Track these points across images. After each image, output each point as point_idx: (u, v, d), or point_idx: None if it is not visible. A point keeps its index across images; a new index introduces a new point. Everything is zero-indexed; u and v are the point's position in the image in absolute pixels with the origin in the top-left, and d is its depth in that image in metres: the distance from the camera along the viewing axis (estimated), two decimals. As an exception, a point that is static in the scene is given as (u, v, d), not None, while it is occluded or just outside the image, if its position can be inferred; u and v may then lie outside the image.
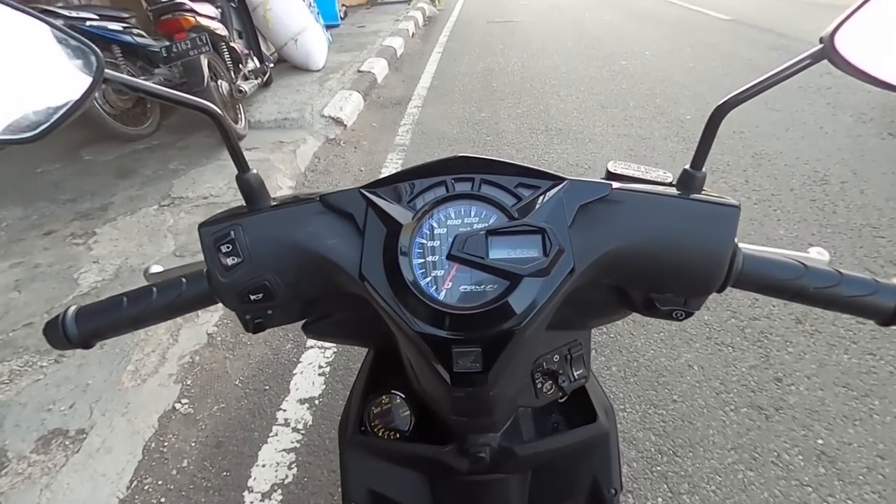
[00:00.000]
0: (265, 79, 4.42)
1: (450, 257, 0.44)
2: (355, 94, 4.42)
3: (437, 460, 0.61)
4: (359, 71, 5.09)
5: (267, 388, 1.77)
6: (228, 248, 0.46)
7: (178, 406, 1.70)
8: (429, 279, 0.44)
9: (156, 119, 3.76)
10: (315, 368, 1.83)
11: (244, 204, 0.51)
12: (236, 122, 3.51)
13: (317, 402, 1.70)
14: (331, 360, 1.87)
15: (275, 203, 0.50)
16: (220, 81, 3.49)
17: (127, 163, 3.33)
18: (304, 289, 0.50)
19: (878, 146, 3.23)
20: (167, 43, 3.08)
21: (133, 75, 3.31)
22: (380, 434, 0.65)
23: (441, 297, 0.43)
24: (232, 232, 0.47)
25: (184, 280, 0.50)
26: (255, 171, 0.50)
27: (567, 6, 10.18)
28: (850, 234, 2.36)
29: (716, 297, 1.92)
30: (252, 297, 0.48)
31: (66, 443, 1.49)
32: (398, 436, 0.65)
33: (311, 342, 1.95)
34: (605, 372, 1.76)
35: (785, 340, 1.84)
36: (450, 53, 6.42)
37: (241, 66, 3.91)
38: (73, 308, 0.49)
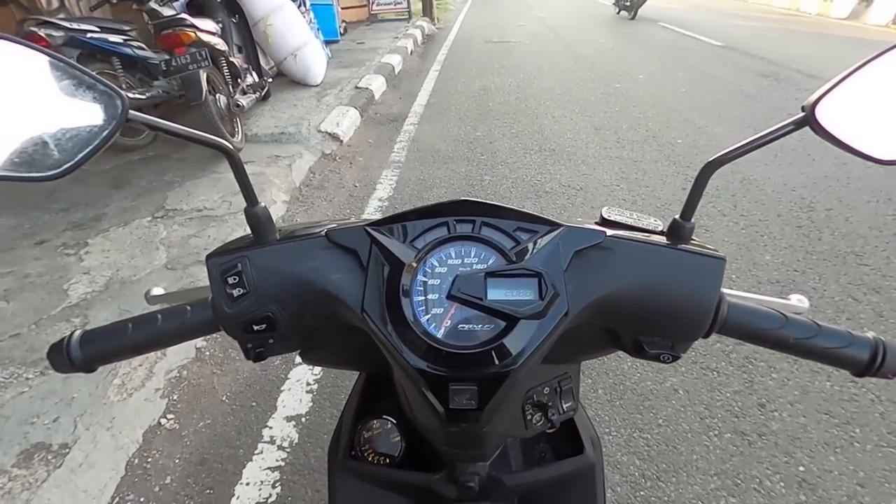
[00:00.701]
0: (263, 93, 4.46)
1: (450, 297, 0.46)
2: (352, 110, 4.47)
3: (427, 488, 0.62)
4: (357, 87, 5.16)
5: (254, 404, 1.77)
6: (235, 279, 0.48)
7: (163, 421, 1.69)
8: (428, 317, 0.46)
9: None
10: (303, 386, 1.83)
11: (250, 234, 0.53)
12: (233, 136, 3.53)
13: (304, 419, 1.70)
14: (319, 377, 1.87)
15: (281, 236, 0.52)
16: (218, 95, 3.52)
17: (122, 173, 3.34)
18: (306, 320, 0.51)
19: (863, 174, 3.31)
20: (167, 57, 3.12)
21: (132, 87, 3.35)
22: (370, 459, 0.66)
23: (439, 334, 0.45)
24: (239, 264, 0.49)
25: (188, 308, 0.52)
26: (263, 204, 0.52)
27: (563, 28, 10.38)
28: (834, 262, 2.40)
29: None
30: (255, 328, 0.49)
31: (49, 457, 1.48)
32: (388, 461, 0.66)
33: (299, 359, 1.95)
34: (592, 395, 1.77)
35: (769, 366, 1.86)
36: (447, 72, 6.52)
37: (239, 80, 3.95)
38: (77, 332, 0.51)
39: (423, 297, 0.47)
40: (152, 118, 0.43)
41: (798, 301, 0.59)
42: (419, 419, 0.58)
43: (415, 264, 0.47)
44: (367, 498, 0.69)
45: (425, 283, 0.47)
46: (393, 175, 3.57)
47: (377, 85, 5.35)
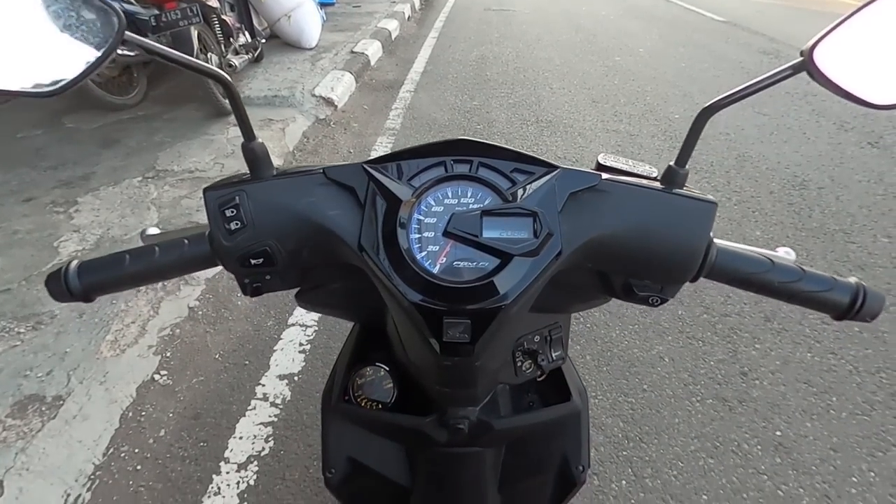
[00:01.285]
0: (256, 54, 4.35)
1: (446, 234, 0.47)
2: (347, 75, 4.38)
3: (417, 431, 0.64)
4: (352, 52, 5.04)
5: (247, 363, 1.79)
6: (232, 212, 0.48)
7: (156, 377, 1.71)
8: (424, 254, 0.47)
9: (142, 89, 3.69)
10: (296, 346, 1.85)
11: (247, 172, 0.53)
12: (224, 97, 3.46)
13: (296, 378, 1.73)
14: (311, 338, 1.89)
15: (278, 172, 0.52)
16: (209, 54, 3.43)
17: (111, 132, 3.27)
18: (303, 257, 0.52)
19: (856, 154, 3.32)
20: (157, 12, 3.02)
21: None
22: (363, 404, 0.68)
23: (435, 270, 0.46)
24: (236, 197, 0.49)
25: (186, 241, 0.52)
26: (260, 140, 0.52)
27: (565, -2, 10.14)
28: (822, 238, 2.44)
29: (691, 293, 1.96)
30: (252, 262, 0.50)
31: (43, 409, 1.49)
32: (380, 407, 0.68)
33: (293, 320, 1.97)
34: (580, 360, 1.81)
35: (753, 337, 1.90)
36: (445, 39, 6.38)
37: (231, 39, 3.84)
38: (75, 262, 0.51)
39: (419, 235, 0.47)
40: (148, 41, 0.42)
41: (785, 253, 0.60)
42: (413, 358, 0.59)
43: (412, 202, 0.48)
44: (359, 442, 0.71)
45: (421, 221, 0.48)
46: (388, 142, 3.53)
47: (373, 50, 5.23)
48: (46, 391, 1.54)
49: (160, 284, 1.99)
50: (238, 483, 1.41)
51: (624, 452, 1.50)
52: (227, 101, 3.28)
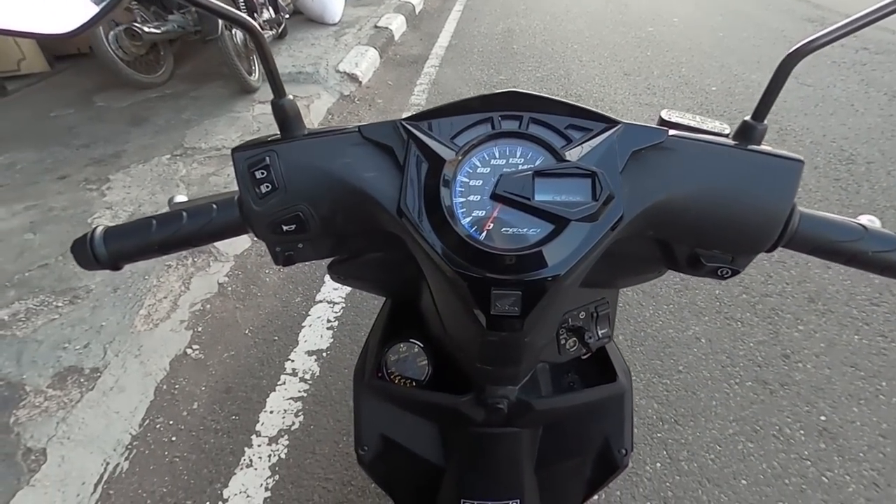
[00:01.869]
0: (280, 30, 4.31)
1: (494, 197, 0.42)
2: (371, 50, 4.31)
3: (454, 409, 0.61)
4: (376, 27, 4.95)
5: (276, 338, 1.80)
6: (263, 174, 0.45)
7: (189, 351, 1.73)
8: (469, 219, 0.43)
9: (169, 67, 3.70)
10: (323, 322, 1.85)
11: (277, 134, 0.50)
12: (250, 74, 3.44)
13: (324, 354, 1.73)
14: (339, 314, 1.88)
15: (310, 132, 0.49)
16: (234, 31, 3.40)
17: (139, 111, 3.30)
18: (337, 223, 0.48)
19: (910, 126, 3.12)
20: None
21: (146, 21, 3.25)
22: (396, 382, 0.66)
23: (482, 237, 0.42)
24: (267, 158, 0.45)
25: (214, 206, 0.49)
26: (291, 96, 0.48)
27: (594, -33, 9.74)
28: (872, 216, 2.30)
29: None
30: (284, 228, 0.47)
31: (81, 380, 1.53)
32: (414, 384, 0.66)
33: (320, 296, 1.97)
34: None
35: (796, 318, 1.82)
36: (470, 12, 6.21)
37: (255, 15, 3.80)
38: (100, 228, 0.49)
39: (464, 199, 0.43)
40: None
41: (869, 221, 0.54)
42: (452, 333, 0.56)
43: (456, 160, 0.43)
44: (392, 419, 0.68)
45: (466, 183, 0.43)
46: (413, 118, 3.47)
47: (397, 25, 5.13)
48: (84, 363, 1.58)
49: (190, 260, 2.01)
50: (269, 456, 1.43)
51: (658, 434, 1.46)
52: (252, 78, 3.27)
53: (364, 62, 4.05)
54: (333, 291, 1.98)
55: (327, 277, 2.04)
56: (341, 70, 3.88)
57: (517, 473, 0.66)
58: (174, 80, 3.74)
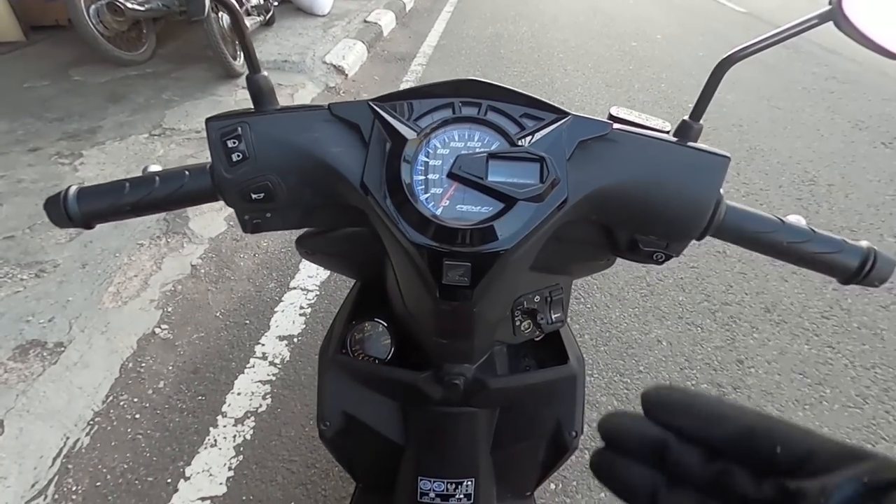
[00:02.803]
0: (268, 17, 4.27)
1: (450, 175, 0.46)
2: (359, 44, 4.31)
3: (413, 386, 0.64)
4: (365, 21, 4.95)
5: (247, 322, 1.80)
6: (234, 143, 0.48)
7: (157, 330, 1.72)
8: (427, 195, 0.46)
9: (151, 46, 3.64)
10: (296, 308, 1.86)
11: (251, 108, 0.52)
12: (234, 59, 3.40)
13: (296, 339, 1.74)
14: (312, 301, 1.89)
15: (282, 107, 0.51)
16: (220, 14, 3.36)
17: (118, 88, 3.24)
18: (304, 194, 0.51)
19: (869, 154, 3.29)
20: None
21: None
22: (360, 359, 0.68)
23: (438, 212, 0.45)
24: (239, 128, 0.48)
25: (187, 172, 0.51)
26: (265, 73, 0.51)
27: (584, -20, 9.91)
28: (828, 235, 2.42)
29: (693, 280, 1.95)
30: (253, 197, 0.49)
31: (44, 354, 1.51)
32: (377, 362, 0.68)
33: (294, 283, 1.97)
34: (578, 339, 1.81)
35: (752, 326, 1.91)
36: (460, 14, 6.25)
37: (244, 0, 3.77)
38: (74, 187, 0.50)
39: (423, 177, 0.46)
40: None
41: (796, 220, 0.59)
42: (411, 308, 0.59)
43: (418, 140, 0.47)
44: (355, 397, 0.71)
45: (426, 163, 0.47)
46: (397, 114, 3.49)
47: (386, 21, 5.14)
48: (48, 337, 1.56)
49: (163, 241, 1.99)
50: (235, 437, 1.43)
51: (616, 430, 1.51)
52: (236, 62, 3.24)
53: (351, 55, 4.05)
54: (308, 279, 1.99)
55: (302, 265, 2.05)
56: (328, 61, 3.87)
57: (473, 453, 0.69)
58: (156, 60, 3.67)
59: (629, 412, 0.25)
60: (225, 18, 3.34)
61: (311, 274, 2.01)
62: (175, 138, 2.69)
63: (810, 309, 1.99)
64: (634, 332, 1.86)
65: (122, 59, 3.36)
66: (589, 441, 1.48)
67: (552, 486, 1.36)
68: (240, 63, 3.45)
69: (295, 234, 0.67)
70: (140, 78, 3.40)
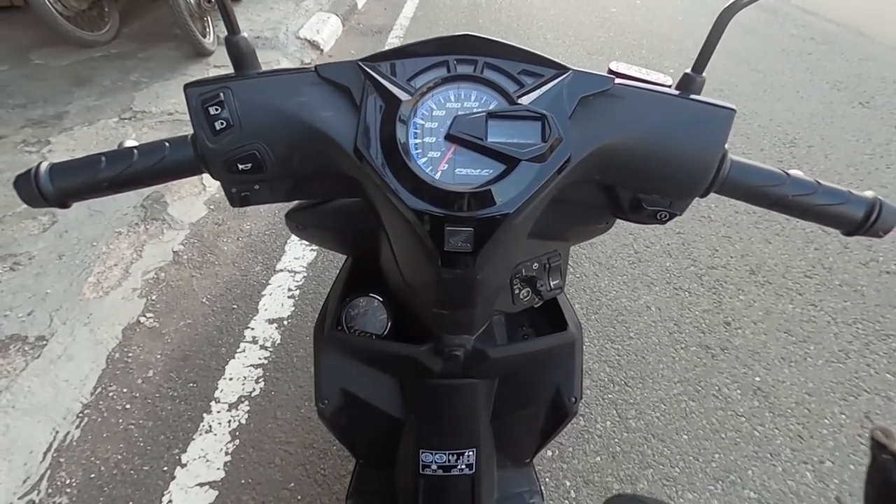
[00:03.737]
0: (236, -8, 4.10)
1: (448, 137, 0.44)
2: (333, 17, 4.18)
3: (412, 359, 0.63)
4: (338, -7, 4.78)
5: (235, 307, 1.77)
6: (217, 110, 0.44)
7: (142, 319, 1.68)
8: (425, 160, 0.44)
9: (115, 25, 3.47)
10: (284, 291, 1.83)
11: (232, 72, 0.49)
12: (204, 36, 3.27)
13: (286, 322, 1.72)
14: (301, 283, 1.87)
15: (265, 70, 0.48)
16: (186, -12, 3.22)
17: (83, 70, 3.09)
18: (294, 163, 0.48)
19: (847, 114, 3.32)
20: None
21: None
22: (356, 335, 0.67)
23: (437, 176, 0.43)
24: (221, 94, 0.45)
25: (167, 144, 0.48)
26: (245, 33, 0.47)
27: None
28: (809, 195, 2.45)
29: (679, 246, 1.96)
30: (240, 167, 0.46)
31: (26, 348, 1.47)
32: (374, 338, 0.67)
33: (281, 265, 1.94)
34: (569, 308, 1.83)
35: (738, 289, 1.94)
36: (435, -16, 6.09)
37: (209, -27, 3.60)
38: (45, 163, 0.47)
39: (419, 140, 0.44)
40: None
41: (799, 174, 0.59)
42: (409, 279, 0.57)
43: (412, 102, 0.44)
44: (352, 373, 0.70)
45: (422, 125, 0.45)
46: (376, 89, 3.41)
47: (360, -8, 4.98)
48: (28, 331, 1.51)
49: (142, 227, 1.93)
50: (229, 422, 1.42)
51: (609, 395, 1.54)
52: (206, 40, 3.11)
53: (326, 30, 3.93)
54: (295, 261, 1.96)
55: (288, 246, 2.01)
56: (301, 36, 3.75)
57: (474, 424, 0.69)
58: (120, 40, 3.51)
59: None
60: (191, -7, 3.20)
61: (298, 256, 1.98)
62: (147, 121, 2.59)
63: (793, 269, 2.03)
64: (624, 300, 1.87)
65: (84, 40, 3.21)
66: (583, 408, 1.50)
67: (549, 452, 1.39)
68: (209, 41, 3.32)
69: (282, 212, 0.65)
70: (105, 59, 3.25)
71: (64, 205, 0.48)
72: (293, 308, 1.77)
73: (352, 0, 4.71)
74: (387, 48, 0.48)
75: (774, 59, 4.11)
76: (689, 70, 0.49)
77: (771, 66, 4.00)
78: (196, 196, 2.12)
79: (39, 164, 0.47)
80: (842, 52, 4.29)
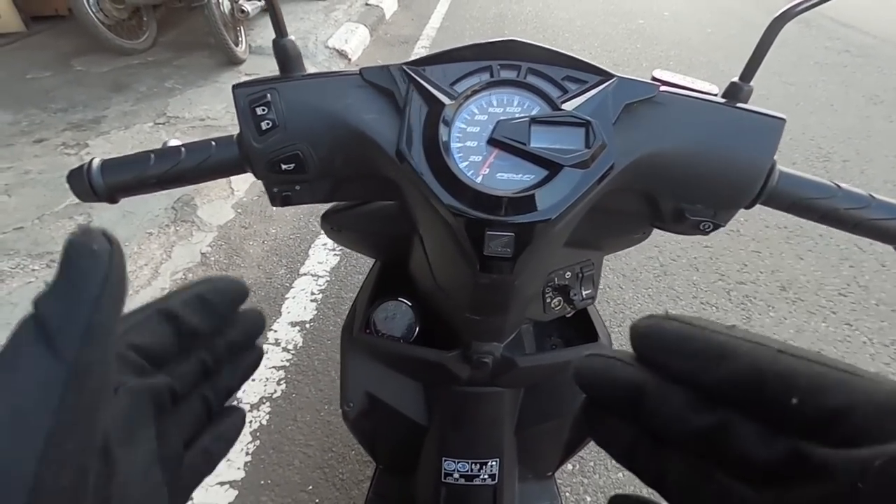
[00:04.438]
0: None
1: (491, 142, 0.44)
2: (362, 27, 4.25)
3: (439, 365, 0.63)
4: (366, 4, 4.88)
5: (259, 309, 1.79)
6: (264, 111, 0.46)
7: (170, 319, 1.72)
8: (466, 163, 0.44)
9: (152, 34, 3.60)
10: (308, 294, 1.85)
11: (278, 73, 0.50)
12: (237, 45, 3.37)
13: (308, 326, 1.73)
14: (323, 287, 1.88)
15: (311, 73, 0.49)
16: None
17: (120, 77, 3.21)
18: (336, 164, 0.49)
19: (885, 129, 3.21)
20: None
21: (130, -17, 3.14)
22: (384, 339, 0.67)
23: (478, 180, 0.43)
24: (268, 95, 0.46)
25: (213, 143, 0.49)
26: (292, 37, 0.48)
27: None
28: (844, 211, 2.38)
29: (706, 259, 1.92)
30: (283, 167, 0.47)
31: (59, 343, 1.51)
32: (402, 342, 0.67)
33: (304, 269, 1.96)
34: (592, 320, 1.80)
35: (768, 305, 1.89)
36: (462, -5, 6.15)
37: (243, -16, 3.71)
38: (97, 159, 0.49)
39: (461, 144, 0.44)
40: None
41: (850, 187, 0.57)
42: (442, 283, 0.57)
43: (455, 106, 0.45)
44: (378, 378, 0.70)
45: (464, 129, 0.45)
46: (402, 98, 3.45)
47: (388, 4, 5.06)
48: (62, 327, 1.56)
49: (172, 229, 1.98)
50: (250, 423, 1.44)
51: (632, 410, 1.51)
52: (238, 49, 3.19)
53: (354, 39, 4.00)
54: (318, 265, 1.98)
55: (312, 251, 2.04)
56: (331, 46, 3.82)
57: (498, 433, 0.68)
58: (157, 48, 3.64)
59: (607, 353, 0.21)
60: (226, 4, 3.30)
61: (322, 260, 2.00)
62: (180, 126, 2.67)
63: (827, 286, 1.96)
64: (648, 313, 1.83)
65: (123, 48, 3.34)
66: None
67: (570, 466, 1.36)
68: (241, 49, 3.41)
69: (307, 216, 0.66)
70: (142, 66, 3.38)
71: (113, 199, 0.49)
72: (315, 312, 1.79)
73: (380, 11, 4.79)
74: (434, 52, 0.48)
75: (807, 72, 4.02)
76: (736, 79, 0.48)
77: (804, 78, 3.91)
78: (224, 199, 2.17)
79: (91, 160, 0.49)
80: (879, 65, 4.17)
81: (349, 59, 3.85)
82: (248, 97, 0.46)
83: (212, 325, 0.26)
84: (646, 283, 1.96)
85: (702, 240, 2.17)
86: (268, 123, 0.46)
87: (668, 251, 2.11)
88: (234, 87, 0.47)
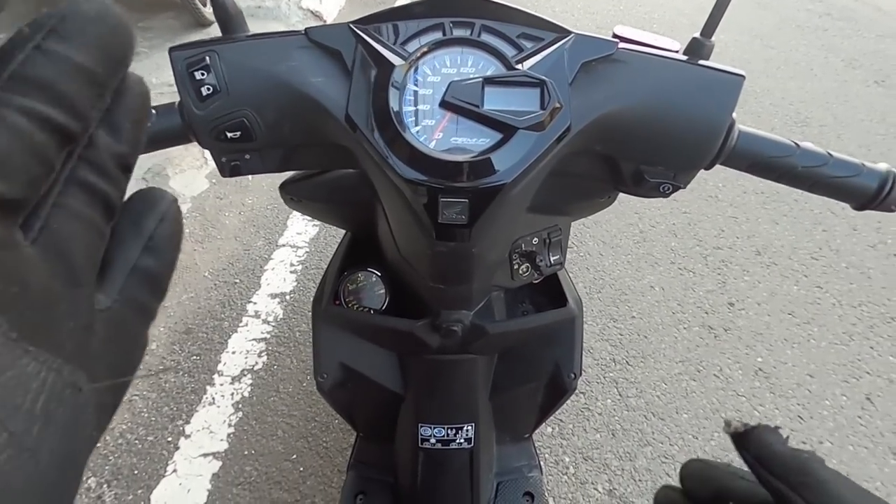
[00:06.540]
0: (237, -41, 3.99)
1: (443, 104, 0.42)
2: (337, -13, 4.07)
3: (410, 334, 0.63)
4: (342, -38, 4.66)
5: (237, 281, 1.77)
6: (203, 75, 0.43)
7: (145, 293, 1.68)
8: (418, 128, 0.42)
9: (113, -7, 3.40)
10: (287, 266, 1.83)
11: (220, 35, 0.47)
12: (204, 5, 3.20)
13: (288, 297, 1.72)
14: (303, 258, 1.86)
15: (254, 34, 0.46)
16: (186, -45, 3.13)
17: (81, 39, 3.04)
18: (284, 132, 0.47)
19: (862, 93, 3.24)
20: None
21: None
22: (354, 310, 0.66)
23: (430, 146, 0.42)
24: (207, 58, 0.43)
25: (153, 112, 0.46)
26: None
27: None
28: (819, 176, 2.41)
29: (685, 225, 1.94)
30: (229, 135, 0.45)
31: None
32: (372, 313, 0.66)
33: (283, 240, 1.93)
34: (572, 287, 1.82)
35: (743, 269, 1.92)
36: (442, -47, 5.92)
37: (209, -61, 3.51)
38: None
39: (413, 107, 0.43)
40: None
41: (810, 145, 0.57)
42: (405, 253, 0.56)
43: (406, 67, 0.43)
44: (351, 348, 0.69)
45: (416, 92, 0.43)
46: (380, 62, 3.34)
47: (364, -39, 4.84)
48: (32, 303, 1.51)
49: (144, 200, 1.92)
50: (232, 394, 1.43)
51: (610, 374, 1.54)
52: (206, 9, 3.04)
53: (329, 0, 3.83)
54: (297, 236, 1.95)
55: (290, 221, 2.00)
56: (304, 7, 3.66)
57: (472, 399, 0.69)
58: (120, 7, 3.44)
59: (715, 463, 0.25)
60: (190, -40, 3.11)
61: (300, 231, 1.97)
62: (147, 93, 2.55)
63: (800, 251, 2.01)
64: (627, 279, 1.86)
65: (82, 8, 3.14)
66: (584, 386, 1.51)
67: (549, 429, 1.40)
68: (208, 10, 3.24)
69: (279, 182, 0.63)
70: (104, 28, 3.19)
71: None
72: (295, 283, 1.77)
73: (355, -31, 4.59)
74: (383, 10, 0.46)
75: (789, 36, 4.00)
76: (697, 34, 0.47)
77: (785, 42, 3.90)
78: (198, 169, 2.10)
79: None
80: (859, 28, 4.17)
81: (324, 21, 3.69)
82: (186, 60, 0.43)
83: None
84: (626, 250, 1.98)
85: (680, 206, 2.19)
86: (208, 89, 0.43)
87: (648, 217, 2.12)
88: (171, 49, 0.44)
